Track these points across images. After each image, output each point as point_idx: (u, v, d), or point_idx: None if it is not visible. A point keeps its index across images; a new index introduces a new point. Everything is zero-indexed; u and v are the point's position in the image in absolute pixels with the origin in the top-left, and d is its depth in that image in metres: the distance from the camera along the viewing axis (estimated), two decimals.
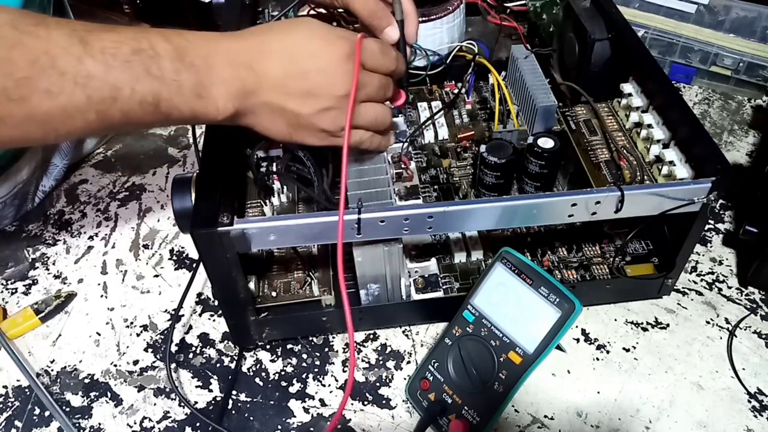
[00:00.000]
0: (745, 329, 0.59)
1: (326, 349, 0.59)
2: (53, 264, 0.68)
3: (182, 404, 0.55)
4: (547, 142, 0.58)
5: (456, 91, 0.75)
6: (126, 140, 0.83)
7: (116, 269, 0.67)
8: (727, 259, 0.66)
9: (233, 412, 0.55)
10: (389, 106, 0.52)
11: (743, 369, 0.56)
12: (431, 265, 0.59)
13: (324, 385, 0.56)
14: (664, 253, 0.59)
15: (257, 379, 0.57)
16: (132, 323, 0.62)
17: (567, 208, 0.49)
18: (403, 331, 0.60)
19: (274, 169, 0.56)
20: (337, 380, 0.56)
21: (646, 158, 0.61)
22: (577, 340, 0.59)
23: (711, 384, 0.55)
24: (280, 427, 0.53)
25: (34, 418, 0.55)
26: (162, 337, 0.61)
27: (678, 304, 0.61)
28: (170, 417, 0.55)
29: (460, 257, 0.60)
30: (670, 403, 0.54)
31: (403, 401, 0.55)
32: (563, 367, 0.56)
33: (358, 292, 0.54)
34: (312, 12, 0.67)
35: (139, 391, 0.56)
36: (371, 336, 0.59)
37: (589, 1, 0.68)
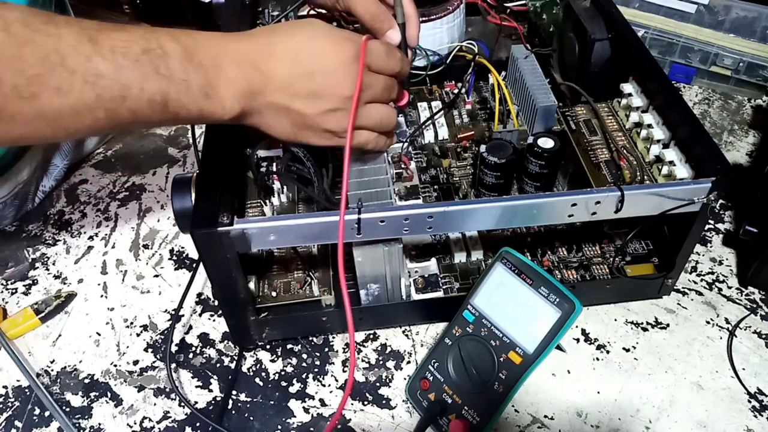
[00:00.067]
0: (745, 329, 0.59)
1: (326, 349, 0.59)
2: (53, 264, 0.68)
3: (182, 404, 0.55)
4: (547, 142, 0.58)
5: (456, 91, 0.75)
6: (126, 140, 0.83)
7: (116, 269, 0.67)
8: (727, 259, 0.66)
9: (233, 412, 0.55)
10: (392, 107, 0.52)
11: (743, 369, 0.56)
12: (431, 265, 0.59)
13: (324, 385, 0.56)
14: (664, 253, 0.59)
15: (257, 379, 0.57)
16: (132, 323, 0.62)
17: (567, 208, 0.49)
18: (403, 331, 0.60)
19: (274, 169, 0.56)
20: (337, 380, 0.56)
21: (646, 158, 0.61)
22: (577, 340, 0.59)
23: (711, 384, 0.55)
24: (280, 427, 0.53)
25: (34, 418, 0.55)
26: (162, 337, 0.61)
27: (678, 304, 0.61)
28: (170, 417, 0.55)
29: (460, 257, 0.60)
30: (670, 403, 0.54)
31: (403, 401, 0.55)
32: (563, 367, 0.56)
33: (358, 292, 0.54)
34: (312, 12, 0.67)
35: (139, 391, 0.56)
36: (371, 336, 0.60)
37: (589, 1, 0.68)
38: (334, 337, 0.59)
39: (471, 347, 0.51)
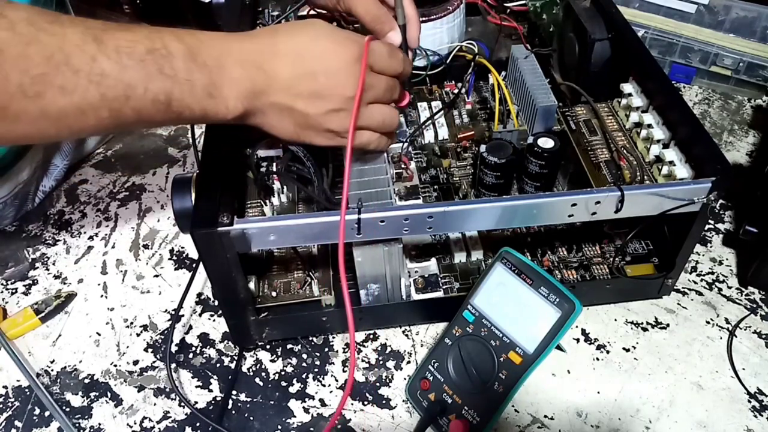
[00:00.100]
0: (745, 329, 0.59)
1: (326, 349, 0.59)
2: (53, 264, 0.68)
3: (182, 404, 0.55)
4: (547, 142, 0.58)
5: (456, 91, 0.75)
6: (126, 140, 0.83)
7: (116, 269, 0.67)
8: (727, 259, 0.66)
9: (233, 412, 0.55)
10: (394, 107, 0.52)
11: (743, 369, 0.56)
12: (431, 265, 0.59)
13: (324, 385, 0.56)
14: (664, 253, 0.59)
15: (257, 379, 0.57)
16: (132, 323, 0.62)
17: (567, 208, 0.49)
18: (403, 331, 0.60)
19: (274, 169, 0.56)
20: (337, 380, 0.56)
21: (646, 158, 0.61)
22: (577, 340, 0.59)
23: (711, 384, 0.55)
24: (280, 427, 0.53)
25: (34, 418, 0.55)
26: (162, 337, 0.61)
27: (678, 304, 0.61)
28: (170, 417, 0.55)
29: (460, 257, 0.60)
30: (670, 403, 0.54)
31: (403, 401, 0.55)
32: (563, 367, 0.56)
33: (358, 292, 0.54)
34: (312, 12, 0.67)
35: (139, 391, 0.56)
36: (371, 336, 0.60)
37: (589, 1, 0.68)
38: (334, 337, 0.59)
39: (471, 347, 0.51)
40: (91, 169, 0.79)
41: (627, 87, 0.65)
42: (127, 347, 0.60)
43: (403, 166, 0.62)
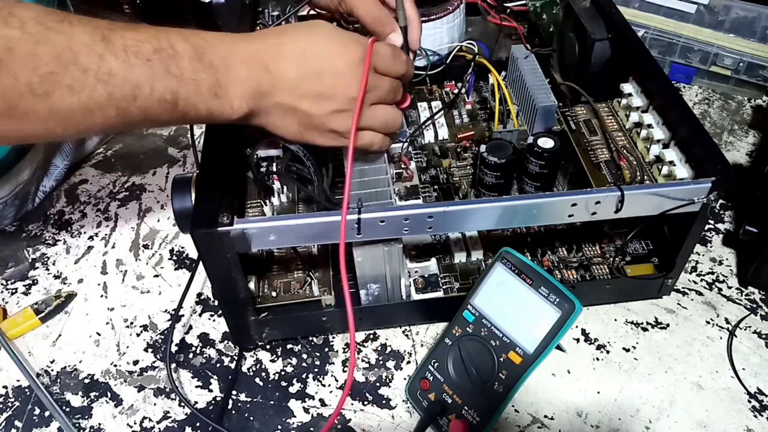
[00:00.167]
0: (745, 329, 0.59)
1: (326, 349, 0.59)
2: (53, 264, 0.68)
3: (182, 404, 0.55)
4: (547, 142, 0.58)
5: (456, 91, 0.75)
6: (126, 140, 0.83)
7: (116, 269, 0.67)
8: (727, 259, 0.66)
9: (233, 412, 0.55)
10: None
11: (743, 369, 0.56)
12: (431, 265, 0.59)
13: (324, 385, 0.56)
14: (664, 253, 0.59)
15: (257, 379, 0.57)
16: (132, 323, 0.62)
17: (567, 208, 0.49)
18: (403, 331, 0.60)
19: (274, 169, 0.56)
20: (337, 380, 0.56)
21: (646, 158, 0.61)
22: (577, 340, 0.59)
23: (711, 384, 0.55)
24: (280, 427, 0.53)
25: (34, 418, 0.55)
26: (162, 337, 0.61)
27: (678, 304, 0.61)
28: (170, 417, 0.55)
29: (460, 257, 0.60)
30: (670, 403, 0.54)
31: (403, 401, 0.55)
32: (563, 367, 0.56)
33: (358, 292, 0.54)
34: (312, 12, 0.67)
35: (139, 391, 0.56)
36: (371, 336, 0.60)
37: (589, 1, 0.68)
38: (334, 337, 0.59)
39: (471, 347, 0.51)
40: (91, 169, 0.79)
41: (627, 87, 0.65)
42: (127, 347, 0.60)
43: (403, 166, 0.62)
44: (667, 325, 0.59)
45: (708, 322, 0.60)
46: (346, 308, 0.46)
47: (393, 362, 0.57)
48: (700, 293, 0.62)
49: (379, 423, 0.53)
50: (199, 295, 0.64)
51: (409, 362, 0.57)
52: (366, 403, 0.55)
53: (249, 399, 0.55)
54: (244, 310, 0.54)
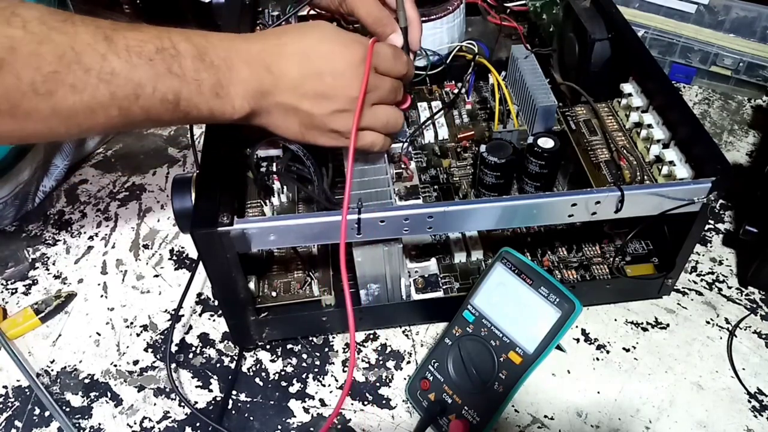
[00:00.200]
0: (745, 329, 0.59)
1: (326, 349, 0.59)
2: (53, 264, 0.68)
3: (182, 404, 0.55)
4: (547, 142, 0.58)
5: (456, 91, 0.75)
6: (126, 140, 0.83)
7: (116, 269, 0.67)
8: (727, 259, 0.66)
9: (233, 412, 0.55)
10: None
11: (743, 369, 0.56)
12: (431, 265, 0.59)
13: (324, 385, 0.56)
14: (664, 253, 0.59)
15: (257, 379, 0.57)
16: (132, 323, 0.62)
17: (567, 208, 0.49)
18: (403, 331, 0.60)
19: (274, 169, 0.56)
20: (337, 380, 0.56)
21: (646, 158, 0.61)
22: (577, 340, 0.59)
23: (711, 384, 0.55)
24: (280, 427, 0.53)
25: (34, 418, 0.55)
26: (162, 337, 0.61)
27: (678, 304, 0.61)
28: (170, 417, 0.55)
29: (460, 257, 0.60)
30: (670, 403, 0.54)
31: (403, 401, 0.55)
32: (563, 367, 0.56)
33: (358, 292, 0.54)
34: (312, 12, 0.67)
35: (139, 391, 0.56)
36: (371, 336, 0.59)
37: (589, 1, 0.68)
38: (334, 337, 0.59)
39: (471, 347, 0.51)
40: (91, 169, 0.79)
41: (627, 87, 0.65)
42: (127, 347, 0.60)
43: (403, 166, 0.62)
44: (667, 325, 0.59)
45: (708, 322, 0.60)
46: (346, 308, 0.46)
47: (393, 362, 0.57)
48: (700, 293, 0.62)
49: (379, 423, 0.53)
50: (199, 295, 0.64)
51: (409, 362, 0.57)
52: (366, 403, 0.55)
53: (249, 399, 0.55)
54: (244, 310, 0.54)
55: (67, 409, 0.55)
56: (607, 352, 0.58)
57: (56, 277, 0.66)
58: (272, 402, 0.55)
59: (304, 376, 0.57)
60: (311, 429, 0.53)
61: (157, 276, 0.66)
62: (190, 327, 0.61)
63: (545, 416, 0.53)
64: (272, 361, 0.58)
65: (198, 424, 0.54)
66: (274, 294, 0.57)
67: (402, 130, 0.61)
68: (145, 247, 0.69)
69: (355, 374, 0.57)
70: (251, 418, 0.54)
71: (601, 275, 0.59)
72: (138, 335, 0.61)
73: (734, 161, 0.77)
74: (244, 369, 0.58)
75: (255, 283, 0.56)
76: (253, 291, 0.56)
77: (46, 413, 0.55)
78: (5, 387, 0.57)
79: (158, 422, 0.54)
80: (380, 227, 0.48)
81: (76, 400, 0.56)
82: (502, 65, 0.71)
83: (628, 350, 0.58)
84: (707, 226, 0.69)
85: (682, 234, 0.54)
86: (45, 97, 0.36)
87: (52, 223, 0.72)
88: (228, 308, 0.55)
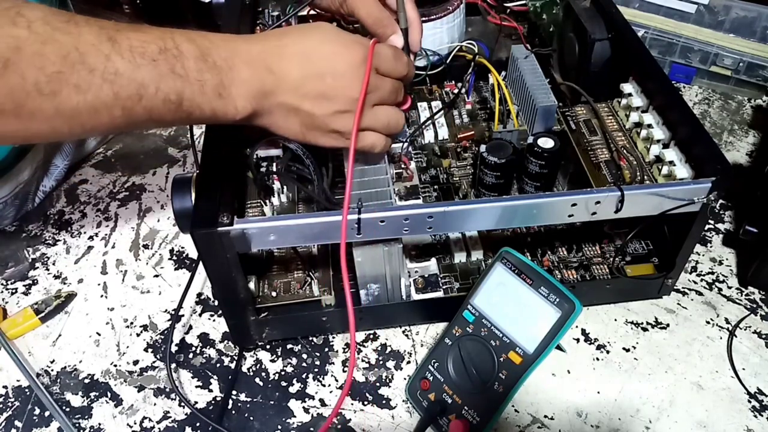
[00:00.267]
0: (745, 329, 0.59)
1: (326, 349, 0.59)
2: (53, 264, 0.68)
3: (182, 404, 0.55)
4: (547, 142, 0.58)
5: (456, 91, 0.75)
6: (126, 140, 0.83)
7: (116, 269, 0.67)
8: (727, 259, 0.66)
9: (233, 412, 0.55)
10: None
11: (743, 369, 0.56)
12: (431, 265, 0.59)
13: (324, 385, 0.56)
14: (664, 253, 0.59)
15: (257, 379, 0.57)
16: (132, 323, 0.62)
17: (567, 208, 0.49)
18: (403, 331, 0.60)
19: (274, 169, 0.56)
20: (337, 380, 0.56)
21: (646, 158, 0.61)
22: (577, 340, 0.59)
23: (711, 384, 0.55)
24: (280, 427, 0.53)
25: (34, 418, 0.55)
26: (162, 337, 0.61)
27: (678, 304, 0.61)
28: (170, 417, 0.55)
29: (460, 257, 0.60)
30: (670, 403, 0.54)
31: (403, 401, 0.55)
32: (563, 367, 0.56)
33: (358, 292, 0.54)
34: (312, 12, 0.67)
35: (139, 391, 0.56)
36: (371, 336, 0.60)
37: (589, 1, 0.68)
38: (334, 337, 0.59)
39: (471, 347, 0.51)
40: (91, 169, 0.79)
41: (627, 87, 0.65)
42: (127, 347, 0.60)
43: (403, 166, 0.62)
44: (667, 325, 0.59)
45: (708, 322, 0.60)
46: (346, 308, 0.46)
47: (393, 362, 0.57)
48: (700, 293, 0.62)
49: (379, 423, 0.53)
50: (199, 295, 0.64)
51: (409, 362, 0.57)
52: (366, 403, 0.55)
53: (249, 399, 0.55)
54: (244, 310, 0.54)
55: (67, 409, 0.55)
56: (607, 352, 0.58)
57: (56, 277, 0.66)
58: (272, 402, 0.55)
59: (304, 376, 0.57)
60: (311, 429, 0.53)
61: (157, 276, 0.66)
62: (190, 327, 0.61)
63: (545, 416, 0.53)
64: (272, 361, 0.58)
65: (198, 424, 0.54)
66: (274, 294, 0.57)
67: (402, 131, 0.61)
68: (145, 247, 0.69)
69: (355, 374, 0.57)
70: (251, 418, 0.54)
71: (601, 275, 0.59)
72: (138, 335, 0.61)
73: (734, 161, 0.77)
74: (244, 369, 0.58)
75: (255, 283, 0.56)
76: (253, 291, 0.56)
77: (46, 413, 0.55)
78: (5, 387, 0.57)
79: (158, 422, 0.54)
80: (380, 227, 0.48)
81: (76, 400, 0.56)
82: (502, 65, 0.71)
83: (628, 350, 0.58)
84: (707, 226, 0.69)
85: (682, 234, 0.54)
86: (49, 97, 0.36)
87: (52, 223, 0.72)
88: (228, 308, 0.55)
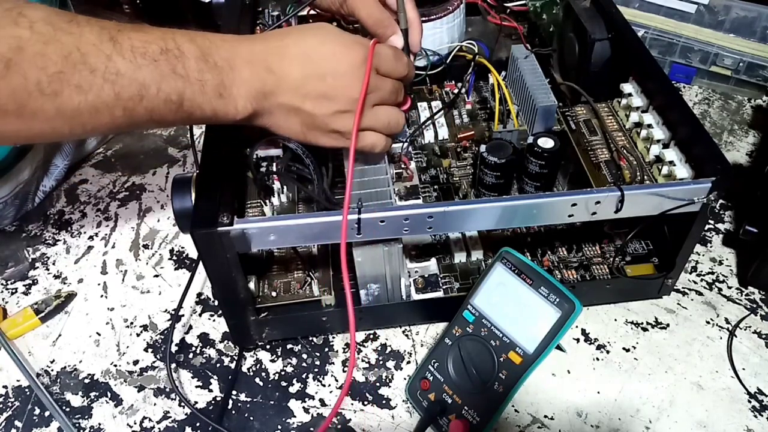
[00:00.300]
0: (745, 329, 0.59)
1: (326, 349, 0.59)
2: (53, 264, 0.68)
3: (182, 404, 0.55)
4: (547, 142, 0.58)
5: (456, 91, 0.75)
6: (126, 140, 0.83)
7: (116, 269, 0.67)
8: (727, 259, 0.66)
9: (233, 412, 0.55)
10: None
11: (743, 369, 0.56)
12: (431, 265, 0.59)
13: (324, 385, 0.56)
14: (664, 253, 0.59)
15: (257, 379, 0.57)
16: (132, 323, 0.62)
17: (567, 208, 0.49)
18: (403, 331, 0.60)
19: (274, 169, 0.56)
20: (337, 380, 0.56)
21: (646, 158, 0.61)
22: (577, 340, 0.59)
23: (711, 384, 0.55)
24: (280, 427, 0.53)
25: (34, 418, 0.55)
26: (162, 337, 0.61)
27: (678, 304, 0.61)
28: (170, 417, 0.55)
29: (460, 257, 0.60)
30: (670, 403, 0.54)
31: (403, 401, 0.55)
32: (563, 367, 0.56)
33: (358, 292, 0.54)
34: (312, 12, 0.67)
35: (139, 391, 0.56)
36: (371, 336, 0.60)
37: (589, 1, 0.68)
38: (334, 337, 0.59)
39: (471, 347, 0.51)
40: (91, 169, 0.79)
41: (627, 87, 0.65)
42: (127, 347, 0.60)
43: (403, 166, 0.62)
44: (667, 325, 0.59)
45: (708, 322, 0.60)
46: (346, 308, 0.46)
47: (393, 362, 0.57)
48: (700, 293, 0.62)
49: (379, 423, 0.53)
50: (199, 295, 0.64)
51: (409, 362, 0.57)
52: (366, 403, 0.55)
53: (249, 399, 0.55)
54: (244, 310, 0.54)
55: (67, 409, 0.55)
56: (607, 352, 0.58)
57: (56, 277, 0.66)
58: (272, 402, 0.55)
59: (304, 376, 0.57)
60: (311, 429, 0.53)
61: (157, 276, 0.66)
62: (190, 327, 0.61)
63: (545, 416, 0.53)
64: (272, 361, 0.58)
65: (198, 424, 0.54)
66: (274, 294, 0.57)
67: (402, 131, 0.61)
68: (145, 247, 0.69)
69: (355, 374, 0.57)
70: (251, 418, 0.54)
71: (601, 275, 0.59)
72: (138, 335, 0.61)
73: (734, 161, 0.77)
74: (244, 369, 0.58)
75: (255, 283, 0.56)
76: (253, 291, 0.56)
77: (46, 413, 0.55)
78: (5, 387, 0.57)
79: (158, 422, 0.54)
80: (380, 227, 0.48)
81: (76, 400, 0.56)
82: (502, 65, 0.71)
83: (628, 350, 0.58)
84: (707, 226, 0.69)
85: (682, 234, 0.54)
86: (51, 97, 0.36)
87: (52, 223, 0.72)
88: (228, 308, 0.55)
